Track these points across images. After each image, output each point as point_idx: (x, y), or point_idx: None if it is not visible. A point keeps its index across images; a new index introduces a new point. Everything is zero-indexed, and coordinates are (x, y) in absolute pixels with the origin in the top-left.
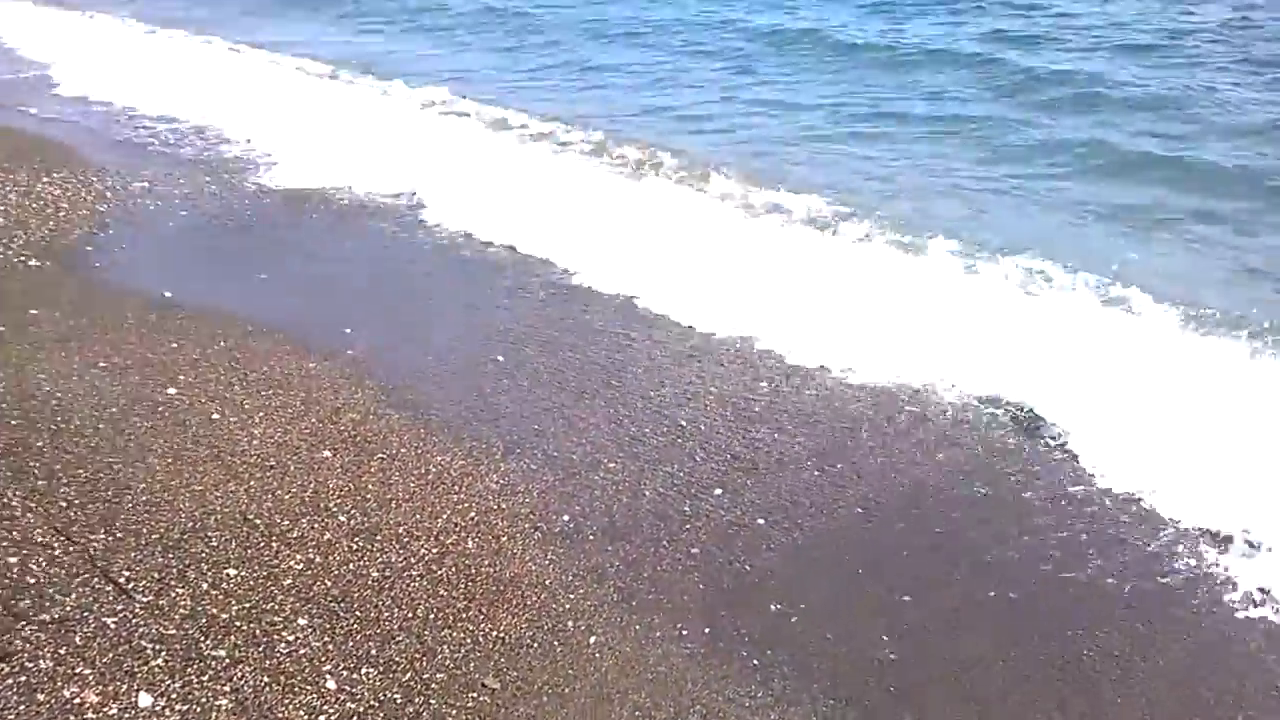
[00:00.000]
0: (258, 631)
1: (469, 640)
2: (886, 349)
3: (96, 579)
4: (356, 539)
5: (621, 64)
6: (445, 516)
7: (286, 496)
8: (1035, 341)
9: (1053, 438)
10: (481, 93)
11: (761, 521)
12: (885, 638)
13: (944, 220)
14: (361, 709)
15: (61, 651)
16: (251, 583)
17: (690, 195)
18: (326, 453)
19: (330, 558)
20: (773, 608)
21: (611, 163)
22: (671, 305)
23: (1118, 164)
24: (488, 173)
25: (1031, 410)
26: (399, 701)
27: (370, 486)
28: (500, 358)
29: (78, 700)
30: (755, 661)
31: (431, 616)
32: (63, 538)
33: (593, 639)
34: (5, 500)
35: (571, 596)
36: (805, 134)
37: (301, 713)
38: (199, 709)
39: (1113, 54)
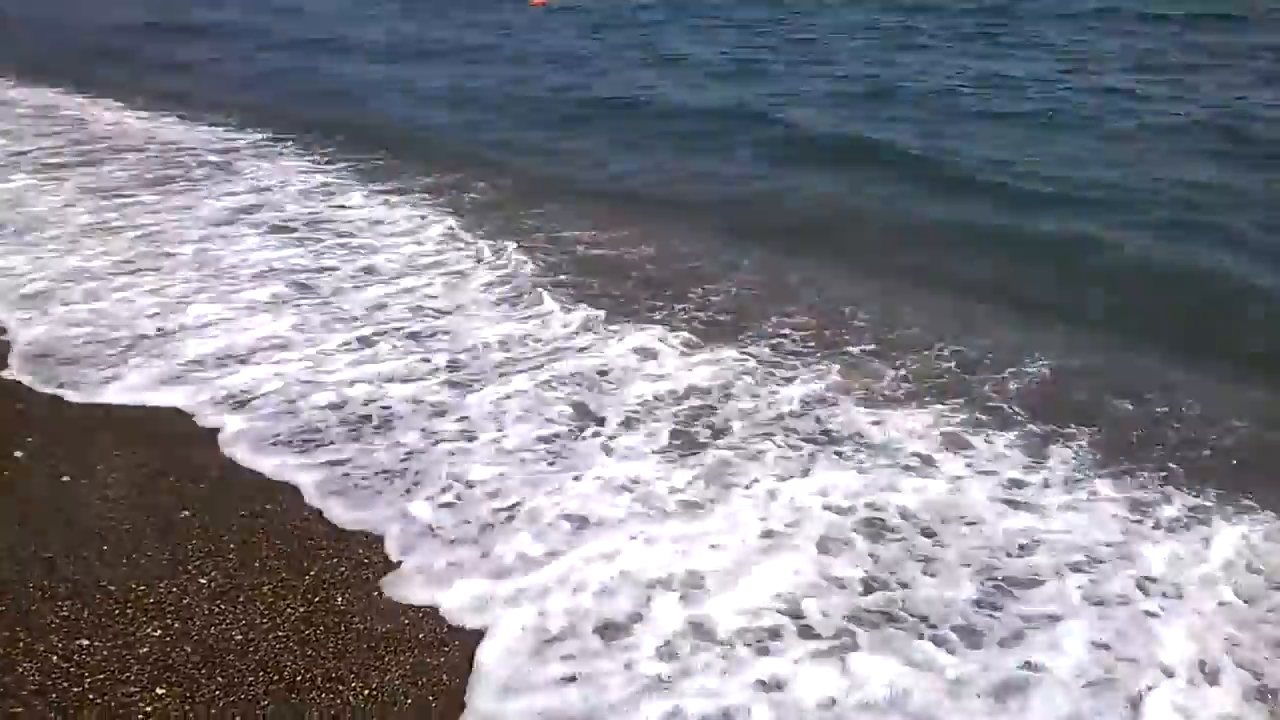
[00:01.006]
0: (113, 704)
1: (339, 701)
2: None
3: None
4: (218, 602)
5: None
6: (313, 573)
7: (143, 561)
8: None
9: None
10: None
11: None
12: None
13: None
14: None
15: None
16: (106, 653)
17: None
18: (186, 512)
19: (190, 623)
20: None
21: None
22: None
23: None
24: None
25: None
26: None
27: (233, 546)
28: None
29: None
30: None
31: (299, 679)
32: None
33: None
34: None
35: (447, 649)
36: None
37: None
38: None
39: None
